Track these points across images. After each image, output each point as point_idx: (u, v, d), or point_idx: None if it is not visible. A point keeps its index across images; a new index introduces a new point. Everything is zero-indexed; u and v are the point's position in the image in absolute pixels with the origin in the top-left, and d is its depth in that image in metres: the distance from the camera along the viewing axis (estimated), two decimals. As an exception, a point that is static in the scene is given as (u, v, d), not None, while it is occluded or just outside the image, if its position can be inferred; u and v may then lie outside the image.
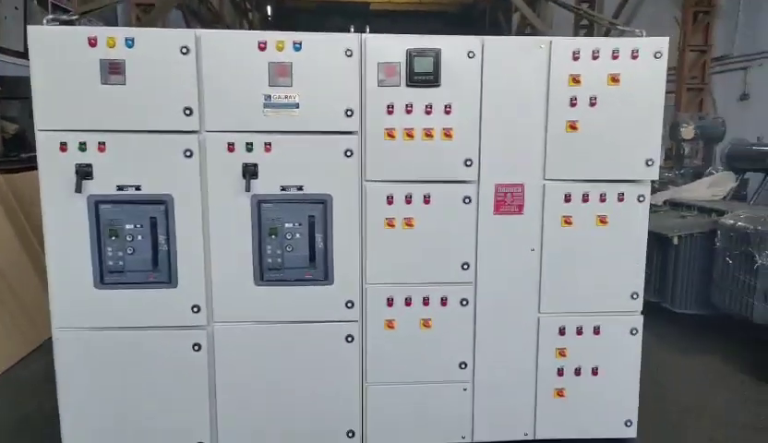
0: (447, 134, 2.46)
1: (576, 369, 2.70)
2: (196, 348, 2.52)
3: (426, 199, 2.51)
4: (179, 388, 2.56)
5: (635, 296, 2.67)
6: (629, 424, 2.78)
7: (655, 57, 2.48)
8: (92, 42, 2.28)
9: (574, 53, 2.46)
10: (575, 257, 2.62)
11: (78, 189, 2.32)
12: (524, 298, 2.65)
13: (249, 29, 14.18)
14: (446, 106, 2.44)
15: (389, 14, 14.85)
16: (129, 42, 2.29)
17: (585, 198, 2.57)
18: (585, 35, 10.38)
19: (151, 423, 2.58)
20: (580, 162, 2.55)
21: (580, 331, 2.68)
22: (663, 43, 2.47)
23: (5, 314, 3.88)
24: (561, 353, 2.69)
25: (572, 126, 2.50)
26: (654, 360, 3.77)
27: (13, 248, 4.25)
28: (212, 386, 2.57)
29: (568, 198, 2.57)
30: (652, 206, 5.04)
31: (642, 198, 2.59)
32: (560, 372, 2.71)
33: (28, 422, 3.09)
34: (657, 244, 4.36)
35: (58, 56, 2.29)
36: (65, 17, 2.40)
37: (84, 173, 2.33)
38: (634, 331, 2.69)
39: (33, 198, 4.51)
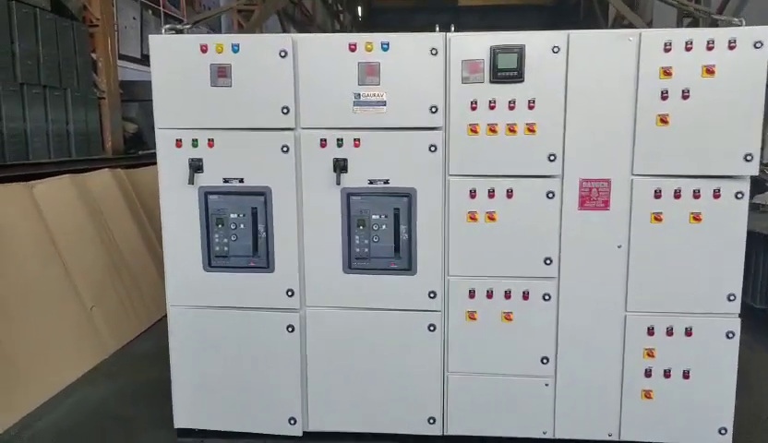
0: (530, 129, 2.47)
1: (666, 371, 2.61)
2: (289, 329, 2.70)
3: (509, 194, 2.53)
4: (274, 366, 2.73)
5: (732, 298, 2.54)
6: (723, 431, 2.64)
7: (755, 47, 2.34)
8: (203, 49, 2.51)
9: (666, 44, 2.38)
10: (666, 255, 2.53)
11: (191, 181, 2.56)
12: (610, 295, 2.59)
13: (340, 30, 14.61)
14: (529, 101, 2.45)
15: (478, 9, 14.68)
16: (235, 48, 2.50)
17: (677, 195, 2.47)
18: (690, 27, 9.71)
19: (249, 396, 2.77)
20: (671, 157, 2.46)
21: (670, 332, 2.58)
22: (764, 33, 2.33)
23: (124, 294, 4.30)
24: (649, 353, 2.60)
25: (663, 120, 2.42)
26: (763, 370, 3.55)
27: (133, 236, 4.68)
28: (304, 366, 2.73)
29: (658, 194, 2.49)
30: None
31: (740, 195, 2.46)
32: (648, 373, 2.62)
33: (145, 388, 3.42)
34: None
35: (174, 62, 2.54)
36: (179, 26, 2.66)
37: (196, 166, 2.57)
38: (731, 335, 2.56)
39: (149, 191, 5.00)
